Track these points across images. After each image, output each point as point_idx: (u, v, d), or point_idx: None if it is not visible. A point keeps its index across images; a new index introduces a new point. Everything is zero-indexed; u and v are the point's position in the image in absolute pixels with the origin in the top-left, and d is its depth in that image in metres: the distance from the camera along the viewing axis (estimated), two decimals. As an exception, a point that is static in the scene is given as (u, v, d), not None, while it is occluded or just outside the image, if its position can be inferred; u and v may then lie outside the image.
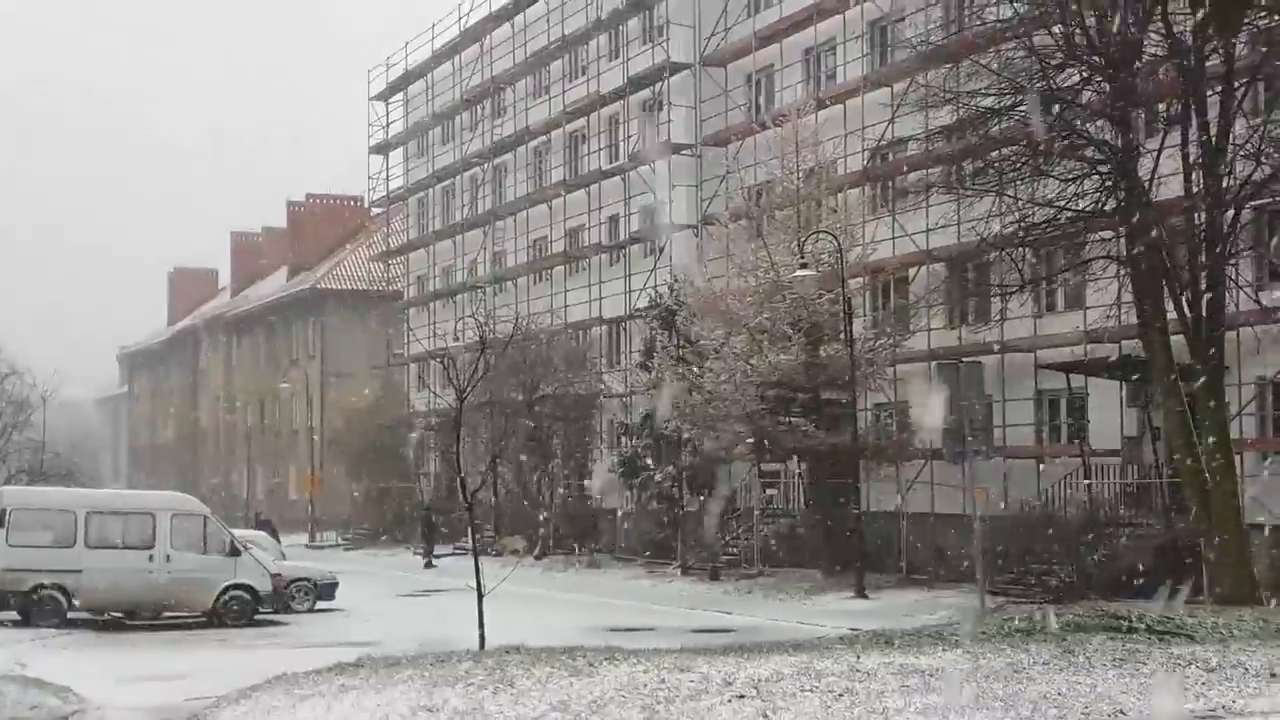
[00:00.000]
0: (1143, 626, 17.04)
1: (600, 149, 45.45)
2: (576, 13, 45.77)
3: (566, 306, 45.68)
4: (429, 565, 42.92)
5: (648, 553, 39.47)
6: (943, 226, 29.61)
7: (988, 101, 23.61)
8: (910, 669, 14.06)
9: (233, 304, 79.87)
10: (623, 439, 41.81)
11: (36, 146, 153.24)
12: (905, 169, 32.16)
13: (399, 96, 59.42)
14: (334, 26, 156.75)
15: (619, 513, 42.32)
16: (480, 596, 17.68)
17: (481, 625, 17.55)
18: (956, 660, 14.69)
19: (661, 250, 41.89)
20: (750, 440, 33.75)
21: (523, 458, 44.01)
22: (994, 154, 24.50)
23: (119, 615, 26.79)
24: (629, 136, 44.09)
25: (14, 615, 25.84)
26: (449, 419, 39.46)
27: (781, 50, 38.45)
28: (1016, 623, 18.08)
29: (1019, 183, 23.90)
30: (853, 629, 21.62)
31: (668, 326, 37.17)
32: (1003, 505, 29.13)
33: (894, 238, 33.42)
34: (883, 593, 29.50)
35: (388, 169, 60.37)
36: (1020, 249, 24.71)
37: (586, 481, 44.54)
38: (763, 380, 32.10)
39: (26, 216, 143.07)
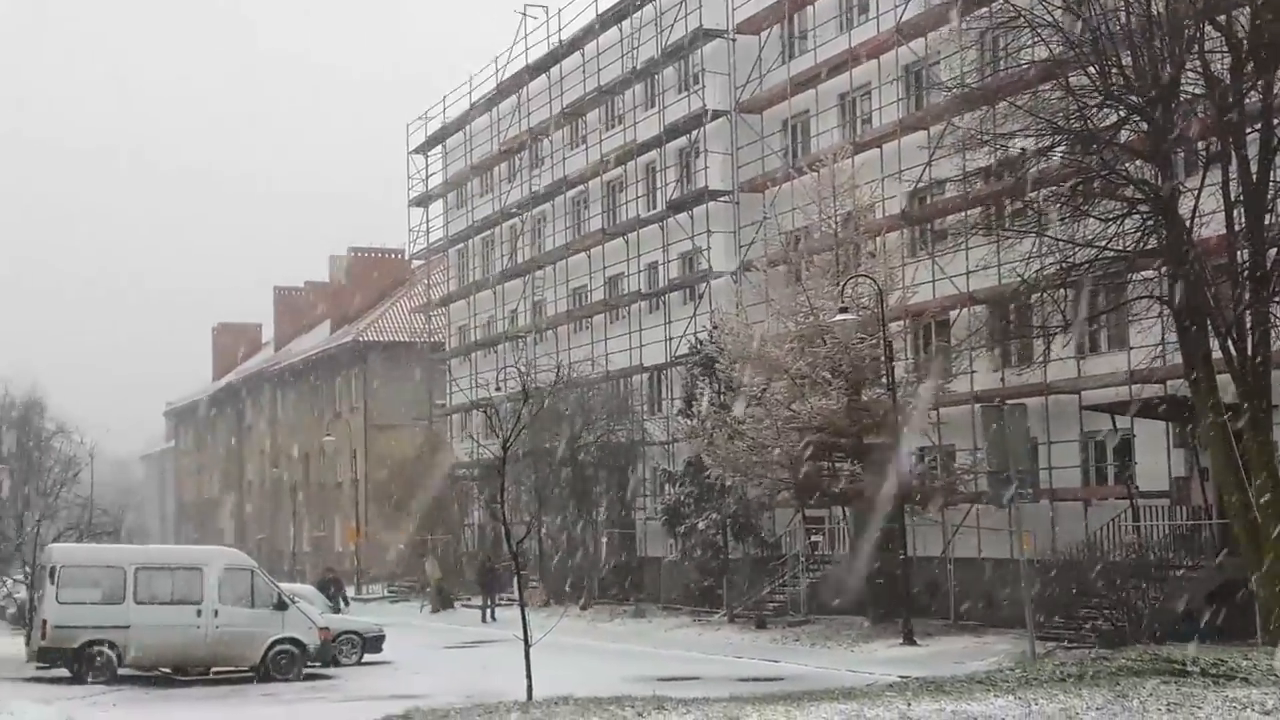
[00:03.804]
0: (1197, 670, 16.83)
1: (638, 197, 45.67)
2: (612, 63, 46.10)
3: (607, 354, 45.77)
4: (493, 618, 41.30)
5: (693, 601, 39.32)
6: (983, 268, 29.54)
7: (1025, 143, 23.60)
8: (962, 715, 13.94)
9: (277, 358, 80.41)
10: (665, 486, 41.75)
11: (80, 205, 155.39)
12: (944, 211, 32.13)
13: (438, 149, 59.94)
14: (373, 80, 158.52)
15: (663, 561, 42.21)
16: (527, 647, 17.65)
17: (529, 676, 17.51)
18: (1009, 706, 14.54)
19: (701, 297, 41.97)
20: (793, 486, 33.64)
21: (566, 507, 44.01)
22: (1033, 195, 24.45)
23: (167, 671, 26.87)
24: (666, 184, 44.29)
25: (64, 672, 25.99)
26: (492, 469, 39.68)
27: (817, 96, 38.58)
28: (1068, 667, 17.90)
29: (1059, 223, 23.83)
30: (902, 676, 21.46)
31: (708, 373, 37.17)
32: (1050, 548, 28.90)
33: (934, 280, 33.37)
34: (931, 639, 29.27)
35: (428, 221, 60.89)
36: (1062, 290, 24.60)
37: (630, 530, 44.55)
38: (804, 425, 32.02)
39: (71, 275, 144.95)
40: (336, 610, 34.55)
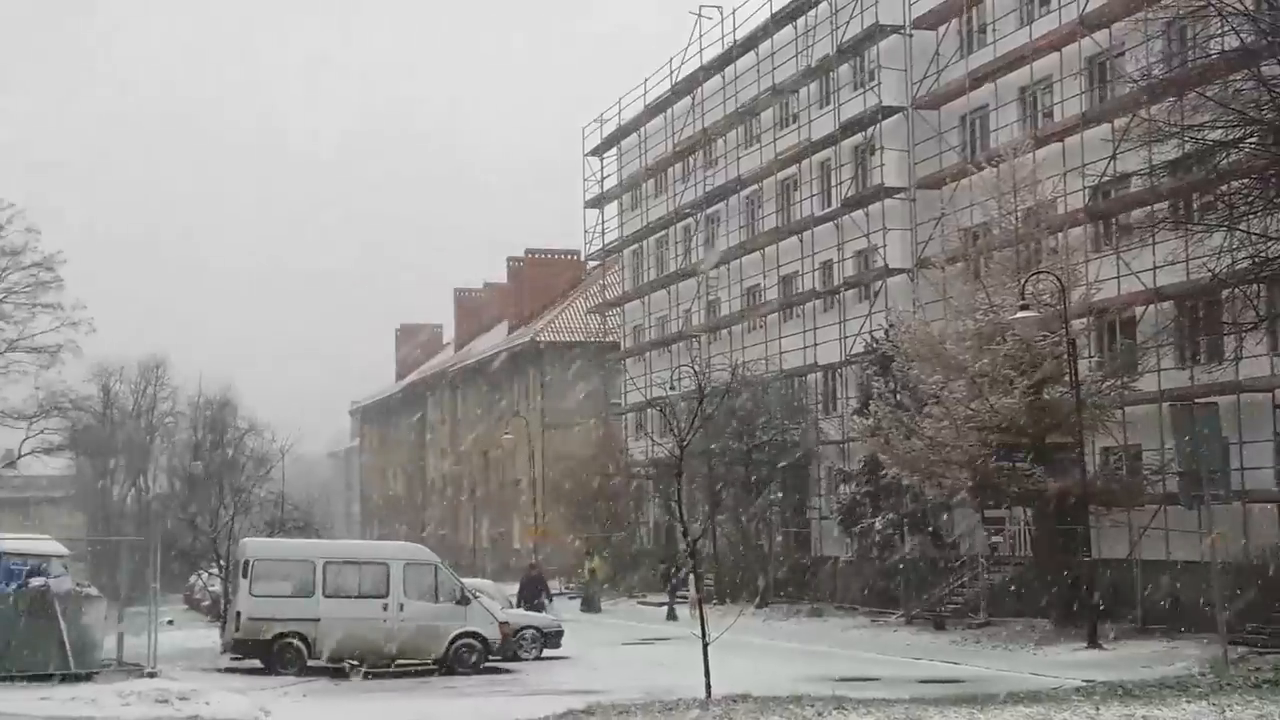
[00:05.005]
0: (1401, 678, 16.18)
1: (812, 195, 45.46)
2: (786, 62, 46.00)
3: (781, 353, 45.67)
4: (672, 617, 41.01)
5: (869, 602, 39.01)
6: (1171, 264, 28.75)
7: (1215, 134, 22.92)
8: (1151, 722, 13.63)
9: (457, 358, 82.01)
10: (841, 486, 41.51)
11: (278, 215, 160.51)
12: (1129, 205, 31.37)
13: (613, 151, 60.53)
14: (546, 84, 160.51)
15: (839, 561, 41.96)
16: (705, 645, 17.74)
17: (707, 673, 17.60)
18: (1202, 712, 14.18)
19: (876, 295, 41.62)
20: (972, 486, 33.13)
21: (741, 505, 44.03)
22: (1223, 188, 23.73)
23: (355, 663, 27.56)
24: (840, 182, 44.01)
25: (257, 663, 26.87)
26: (668, 467, 39.86)
27: (996, 90, 37.95)
28: (1264, 673, 17.36)
29: (1251, 217, 23.10)
30: (1088, 680, 21.01)
31: (884, 372, 36.83)
32: (1243, 551, 28.00)
33: (1119, 276, 32.55)
34: (1117, 643, 28.56)
35: (603, 222, 61.52)
36: (1254, 285, 23.84)
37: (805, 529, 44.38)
38: (984, 425, 31.52)
39: (265, 282, 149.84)
40: (540, 608, 35.52)
